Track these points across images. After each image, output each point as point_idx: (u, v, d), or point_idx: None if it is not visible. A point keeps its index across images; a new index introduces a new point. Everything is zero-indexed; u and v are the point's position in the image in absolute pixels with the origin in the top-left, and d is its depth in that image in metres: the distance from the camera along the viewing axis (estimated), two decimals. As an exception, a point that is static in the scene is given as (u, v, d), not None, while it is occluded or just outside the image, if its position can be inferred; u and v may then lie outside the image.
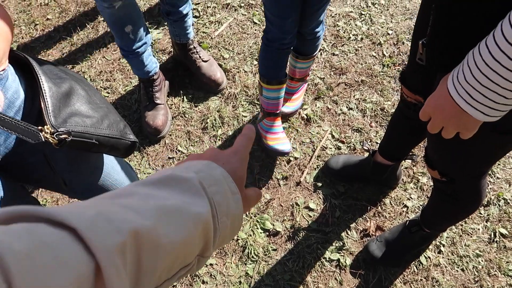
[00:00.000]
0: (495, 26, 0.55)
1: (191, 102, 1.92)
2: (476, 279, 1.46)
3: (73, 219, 0.28)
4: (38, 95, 0.71)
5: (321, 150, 1.76)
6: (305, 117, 1.85)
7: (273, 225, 1.59)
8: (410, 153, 1.47)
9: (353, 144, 1.77)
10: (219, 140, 1.81)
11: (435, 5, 0.72)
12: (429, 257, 1.50)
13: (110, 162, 1.02)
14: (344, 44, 2.07)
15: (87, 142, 0.74)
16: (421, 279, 1.47)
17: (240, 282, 1.49)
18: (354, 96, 1.90)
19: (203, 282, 1.50)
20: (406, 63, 1.96)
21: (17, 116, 0.72)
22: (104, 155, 1.00)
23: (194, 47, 1.90)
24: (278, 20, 1.33)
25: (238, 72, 2.00)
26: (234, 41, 2.11)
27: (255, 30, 2.15)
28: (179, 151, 1.79)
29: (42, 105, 0.69)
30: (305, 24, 1.43)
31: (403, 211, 1.61)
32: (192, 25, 2.12)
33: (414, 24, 2.09)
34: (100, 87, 2.01)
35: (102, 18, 2.22)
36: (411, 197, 1.63)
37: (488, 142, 0.82)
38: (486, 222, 1.56)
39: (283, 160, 1.74)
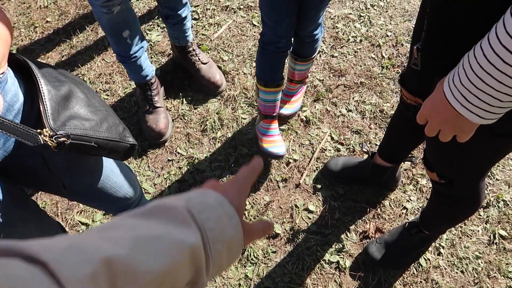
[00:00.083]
0: None
1: (190, 104, 1.93)
2: (475, 281, 1.46)
3: (44, 252, 0.28)
4: (37, 98, 0.71)
5: (320, 152, 1.76)
6: (304, 119, 1.85)
7: (273, 227, 1.59)
8: (410, 155, 1.47)
9: (352, 146, 1.77)
10: (218, 142, 1.81)
11: (430, 9, 0.72)
12: (429, 259, 1.50)
13: (109, 165, 1.02)
14: (343, 46, 2.07)
15: (86, 145, 0.74)
16: (420, 281, 1.47)
17: (239, 284, 1.48)
18: (353, 98, 1.90)
19: (203, 285, 1.49)
20: (406, 65, 1.97)
21: (16, 119, 0.72)
22: (103, 158, 1.00)
23: (193, 49, 1.90)
24: (273, 24, 1.34)
25: (237, 74, 2.00)
26: (233, 43, 2.11)
27: (254, 32, 2.15)
28: (178, 153, 1.79)
29: (41, 108, 0.69)
30: (303, 27, 1.43)
31: (402, 213, 1.61)
32: (192, 27, 2.13)
33: (413, 25, 2.10)
34: (100, 89, 2.01)
35: (102, 21, 2.22)
36: (410, 199, 1.63)
37: (485, 144, 0.82)
38: (486, 223, 1.56)
39: (282, 162, 1.74)
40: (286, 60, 1.91)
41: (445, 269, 1.48)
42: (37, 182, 0.88)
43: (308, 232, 1.58)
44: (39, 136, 0.66)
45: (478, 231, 1.55)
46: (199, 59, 1.91)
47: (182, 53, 1.91)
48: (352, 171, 1.63)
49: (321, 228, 1.59)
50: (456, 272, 1.47)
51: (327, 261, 1.51)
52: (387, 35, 2.10)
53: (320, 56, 2.04)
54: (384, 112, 1.84)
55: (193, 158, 1.77)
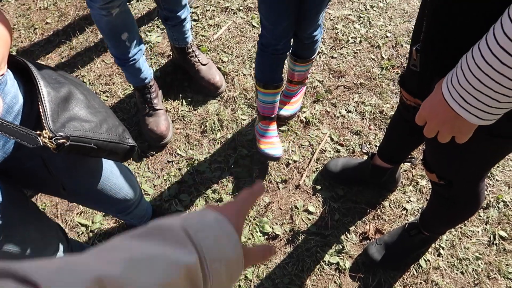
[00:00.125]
0: None
1: (190, 105, 1.93)
2: (475, 282, 1.46)
3: (36, 273, 0.29)
4: (36, 99, 0.71)
5: (320, 153, 1.76)
6: (304, 120, 1.85)
7: (272, 228, 1.59)
8: (409, 156, 1.47)
9: (352, 147, 1.77)
10: (218, 143, 1.81)
11: (429, 10, 0.73)
12: (429, 260, 1.50)
13: (109, 167, 1.02)
14: (342, 47, 2.07)
15: (85, 146, 0.74)
16: (420, 282, 1.46)
17: (239, 286, 1.48)
18: (353, 99, 1.90)
19: (203, 286, 1.49)
20: (405, 66, 1.97)
21: (16, 121, 0.72)
22: (103, 159, 1.00)
23: (193, 51, 1.90)
24: (271, 26, 1.34)
25: (237, 75, 2.00)
26: (233, 44, 2.11)
27: (254, 33, 2.15)
28: (178, 154, 1.79)
29: (41, 110, 0.69)
30: (303, 28, 1.43)
31: (402, 214, 1.61)
32: (191, 28, 2.13)
33: (412, 26, 2.11)
34: (99, 90, 2.01)
35: (101, 22, 2.22)
36: (410, 200, 1.63)
37: (485, 145, 0.82)
38: (486, 224, 1.56)
39: (282, 163, 1.74)
40: (285, 61, 1.92)
41: (445, 270, 1.48)
42: (36, 183, 0.88)
43: (308, 233, 1.58)
44: (39, 138, 0.66)
45: (478, 232, 1.55)
46: (198, 60, 1.91)
47: (182, 55, 1.91)
48: (352, 172, 1.63)
49: (321, 229, 1.59)
50: (456, 273, 1.47)
51: (327, 262, 1.51)
52: (387, 36, 2.10)
53: (319, 57, 2.04)
54: (383, 113, 1.84)
55: (193, 159, 1.77)
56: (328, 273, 1.50)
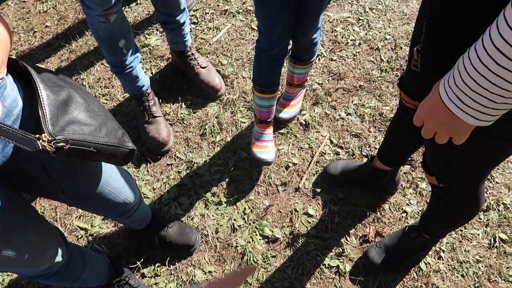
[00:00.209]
0: None
1: (189, 108, 1.92)
2: (476, 285, 1.45)
3: None
4: (36, 103, 0.70)
5: (319, 156, 1.76)
6: (304, 122, 1.85)
7: (272, 231, 1.59)
8: (409, 159, 1.47)
9: (351, 150, 1.77)
10: (217, 146, 1.81)
11: (429, 10, 0.73)
12: (429, 263, 1.49)
13: (108, 170, 1.02)
14: (342, 50, 2.08)
15: (85, 150, 0.73)
16: (421, 285, 1.46)
17: (239, 289, 1.48)
18: (352, 102, 1.90)
19: (202, 290, 1.49)
20: (405, 68, 1.97)
21: (15, 125, 0.71)
22: (103, 163, 0.99)
23: (192, 54, 1.90)
24: (266, 31, 1.34)
25: (236, 78, 2.00)
26: (232, 47, 2.11)
27: (253, 36, 2.15)
28: (177, 157, 1.79)
29: (40, 113, 0.69)
30: (303, 32, 1.43)
31: (402, 216, 1.61)
32: (190, 31, 2.13)
33: (411, 29, 2.11)
34: (99, 94, 2.01)
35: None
36: (410, 203, 1.63)
37: (483, 147, 0.82)
38: (486, 227, 1.56)
39: (281, 166, 1.74)
40: (284, 64, 1.92)
41: (445, 273, 1.48)
42: (36, 187, 0.88)
43: (308, 236, 1.57)
44: (38, 141, 0.66)
45: (479, 234, 1.54)
46: (198, 63, 1.91)
47: (181, 58, 1.91)
48: (352, 175, 1.63)
49: (320, 232, 1.58)
50: (457, 276, 1.47)
51: (327, 266, 1.51)
52: (386, 38, 2.10)
53: (319, 59, 2.04)
54: (383, 115, 1.84)
55: (192, 162, 1.76)
56: (328, 277, 1.49)
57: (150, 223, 1.45)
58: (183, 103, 1.94)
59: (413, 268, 1.49)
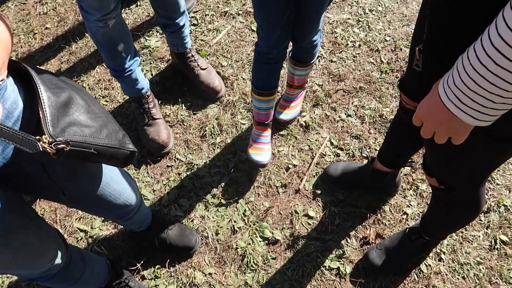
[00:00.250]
0: None
1: (189, 110, 1.92)
2: (477, 287, 1.45)
3: None
4: (36, 105, 0.70)
5: (320, 157, 1.76)
6: (304, 124, 1.85)
7: (272, 233, 1.58)
8: (409, 160, 1.47)
9: (352, 151, 1.77)
10: (217, 148, 1.81)
11: (430, 11, 0.73)
12: (430, 265, 1.49)
13: (109, 172, 1.01)
14: (342, 51, 2.08)
15: (85, 151, 0.73)
16: (421, 287, 1.46)
17: (239, 291, 1.47)
18: (352, 103, 1.90)
19: (202, 292, 1.49)
20: (405, 70, 1.97)
21: (16, 126, 0.71)
22: (103, 164, 0.99)
23: (192, 55, 1.90)
24: (264, 34, 1.34)
25: (236, 79, 2.00)
26: (232, 49, 2.11)
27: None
28: (177, 159, 1.79)
29: (41, 115, 0.69)
30: (304, 34, 1.43)
31: (402, 218, 1.60)
32: (190, 33, 2.13)
33: (411, 30, 2.11)
34: (99, 95, 2.00)
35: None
36: (410, 204, 1.63)
37: (485, 149, 0.82)
38: (487, 229, 1.56)
39: (282, 168, 1.74)
40: (285, 66, 1.92)
41: (446, 275, 1.47)
42: (36, 188, 0.87)
43: (308, 238, 1.57)
44: (38, 143, 0.65)
45: (479, 236, 1.54)
46: (198, 64, 1.91)
47: (181, 59, 1.91)
48: (352, 176, 1.63)
49: (321, 234, 1.58)
50: (458, 278, 1.47)
51: (327, 268, 1.51)
52: (386, 40, 2.11)
53: (319, 61, 2.05)
54: (383, 117, 1.84)
55: (192, 164, 1.76)
56: (329, 278, 1.49)
57: (150, 225, 1.45)
58: (183, 105, 1.94)
59: (414, 270, 1.48)
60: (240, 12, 2.26)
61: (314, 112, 1.88)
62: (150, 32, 2.22)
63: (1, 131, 0.61)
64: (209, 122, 1.87)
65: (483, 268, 1.48)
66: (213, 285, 1.49)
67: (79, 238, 1.60)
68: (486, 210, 1.59)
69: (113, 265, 1.38)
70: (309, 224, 1.60)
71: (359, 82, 1.96)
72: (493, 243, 1.52)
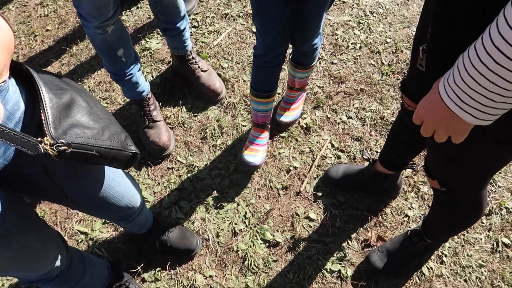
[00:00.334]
0: None
1: (190, 112, 1.92)
2: (479, 290, 1.44)
3: None
4: (38, 106, 0.70)
5: (320, 160, 1.76)
6: (305, 126, 1.84)
7: (273, 235, 1.58)
8: (411, 163, 1.47)
9: (353, 153, 1.77)
10: (218, 150, 1.80)
11: (432, 10, 0.73)
12: (431, 268, 1.48)
13: (111, 174, 1.01)
14: (342, 53, 2.08)
15: (87, 153, 0.73)
16: (423, 290, 1.45)
17: (240, 294, 1.47)
18: (353, 105, 1.90)
19: (203, 294, 1.48)
20: (406, 72, 1.97)
21: (17, 128, 0.71)
22: (106, 166, 0.99)
23: (193, 57, 1.90)
24: (261, 37, 1.34)
25: (237, 81, 2.00)
26: (233, 51, 2.11)
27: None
28: (178, 161, 1.78)
29: (42, 116, 0.68)
30: (304, 39, 1.43)
31: (404, 220, 1.60)
32: (191, 35, 2.13)
33: (412, 32, 2.11)
34: (99, 97, 2.00)
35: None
36: (412, 207, 1.62)
37: (486, 151, 0.82)
38: (489, 231, 1.55)
39: (282, 170, 1.73)
40: (286, 68, 1.92)
41: (448, 278, 1.47)
42: (37, 190, 0.87)
43: (309, 241, 1.57)
44: (40, 145, 0.65)
45: (481, 239, 1.53)
46: (198, 66, 1.91)
47: (182, 62, 1.91)
48: (353, 179, 1.63)
49: (322, 236, 1.57)
50: (460, 281, 1.46)
51: (328, 270, 1.50)
52: (387, 42, 2.11)
53: (320, 63, 2.04)
54: (384, 119, 1.84)
55: (193, 166, 1.76)
56: (330, 281, 1.48)
57: (151, 227, 1.44)
58: (183, 107, 1.93)
59: (415, 273, 1.48)
60: (241, 14, 2.26)
61: (315, 114, 1.88)
62: (151, 34, 2.22)
63: (3, 133, 0.61)
64: (209, 124, 1.87)
65: (485, 271, 1.47)
66: (214, 288, 1.49)
67: (80, 240, 1.60)
68: (488, 212, 1.59)
69: (113, 267, 1.38)
70: (310, 227, 1.60)
71: (360, 84, 1.96)
72: (495, 245, 1.52)
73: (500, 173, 1.68)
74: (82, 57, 2.16)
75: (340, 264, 1.51)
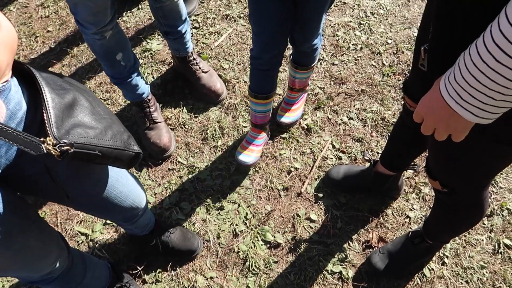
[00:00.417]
0: None
1: (191, 113, 1.92)
2: (480, 291, 1.44)
3: None
4: (41, 106, 0.70)
5: (321, 161, 1.75)
6: (306, 127, 1.84)
7: (274, 237, 1.58)
8: (412, 163, 1.47)
9: (354, 154, 1.76)
10: (219, 151, 1.80)
11: (433, 10, 0.73)
12: (433, 269, 1.48)
13: (115, 174, 1.00)
14: (343, 54, 2.08)
15: (89, 153, 0.73)
16: (425, 291, 1.45)
17: (241, 295, 1.46)
18: (354, 106, 1.90)
19: (204, 295, 1.47)
20: (407, 72, 1.97)
21: (19, 128, 0.71)
22: (109, 167, 0.99)
23: (194, 59, 1.90)
24: (255, 37, 1.34)
25: (238, 82, 2.00)
26: (233, 52, 2.11)
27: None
28: (179, 162, 1.78)
29: (45, 116, 0.68)
30: (304, 39, 1.43)
31: (405, 221, 1.60)
32: (192, 36, 2.13)
33: (413, 33, 2.11)
34: (100, 98, 2.00)
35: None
36: (413, 208, 1.62)
37: (487, 152, 0.82)
38: (490, 232, 1.55)
39: (283, 171, 1.73)
40: (286, 69, 1.92)
41: (449, 279, 1.46)
42: (39, 190, 0.87)
43: (310, 242, 1.56)
44: (42, 145, 0.65)
45: (483, 240, 1.53)
46: (199, 67, 1.91)
47: (183, 63, 1.91)
48: (354, 180, 1.62)
49: (323, 237, 1.57)
50: (461, 283, 1.46)
51: (329, 271, 1.50)
52: (388, 43, 2.11)
53: (320, 64, 2.04)
54: (385, 120, 1.84)
55: (194, 167, 1.76)
56: (331, 283, 1.48)
57: (153, 228, 1.44)
58: (184, 108, 1.93)
59: (417, 274, 1.47)
60: (242, 15, 2.26)
61: (316, 115, 1.88)
62: (152, 35, 2.22)
63: (5, 132, 0.60)
64: (210, 125, 1.86)
65: (486, 272, 1.47)
66: (214, 289, 1.48)
67: (80, 241, 1.59)
68: (489, 213, 1.59)
69: (114, 268, 1.37)
70: (311, 228, 1.60)
71: (361, 85, 1.96)
72: (496, 247, 1.52)
73: (501, 174, 1.67)
74: (83, 58, 2.16)
75: (341, 265, 1.51)
